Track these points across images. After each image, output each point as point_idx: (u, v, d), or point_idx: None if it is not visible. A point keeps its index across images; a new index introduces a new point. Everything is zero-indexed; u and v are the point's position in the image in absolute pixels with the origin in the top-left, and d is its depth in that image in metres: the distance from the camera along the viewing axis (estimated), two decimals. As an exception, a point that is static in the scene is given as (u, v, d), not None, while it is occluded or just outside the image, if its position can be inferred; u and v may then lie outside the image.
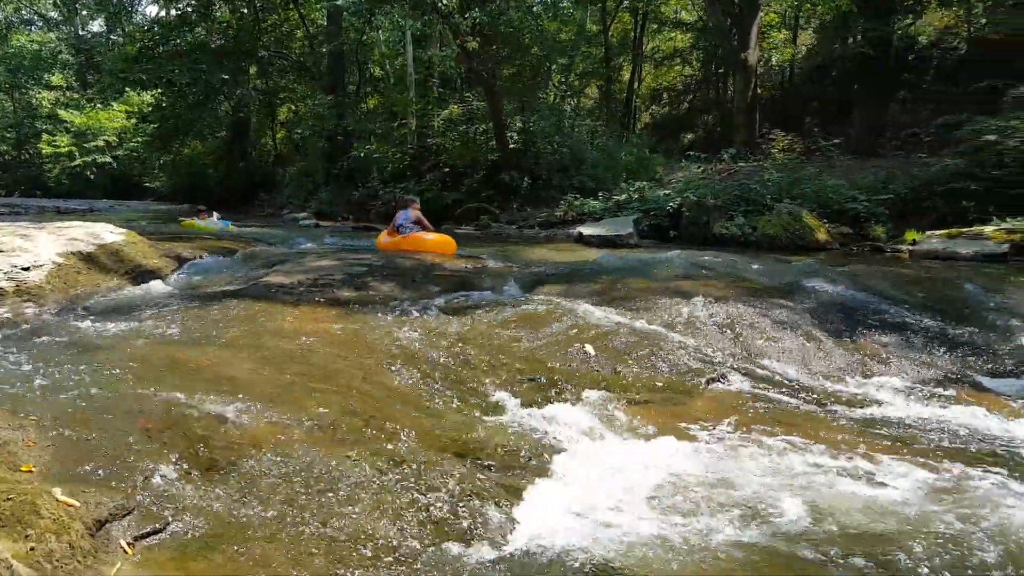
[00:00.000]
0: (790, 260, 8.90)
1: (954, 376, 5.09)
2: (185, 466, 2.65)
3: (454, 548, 2.43)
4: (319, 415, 3.22)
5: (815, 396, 4.55)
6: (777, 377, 4.87)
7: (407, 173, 19.24)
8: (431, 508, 2.61)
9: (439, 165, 18.56)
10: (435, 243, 9.61)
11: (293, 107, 30.08)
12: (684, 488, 3.01)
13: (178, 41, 23.04)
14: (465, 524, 2.57)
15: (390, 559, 2.31)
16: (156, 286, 6.59)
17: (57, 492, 2.24)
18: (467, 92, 20.97)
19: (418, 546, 2.41)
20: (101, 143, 36.69)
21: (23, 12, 42.43)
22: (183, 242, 8.92)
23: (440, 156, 18.72)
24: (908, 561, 2.43)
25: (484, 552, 2.43)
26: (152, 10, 37.83)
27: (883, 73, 17.15)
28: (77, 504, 2.22)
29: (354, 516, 2.47)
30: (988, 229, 9.65)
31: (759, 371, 4.95)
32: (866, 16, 16.96)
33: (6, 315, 5.11)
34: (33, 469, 2.46)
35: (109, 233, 7.13)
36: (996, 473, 3.22)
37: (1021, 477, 3.19)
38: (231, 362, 3.90)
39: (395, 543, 2.38)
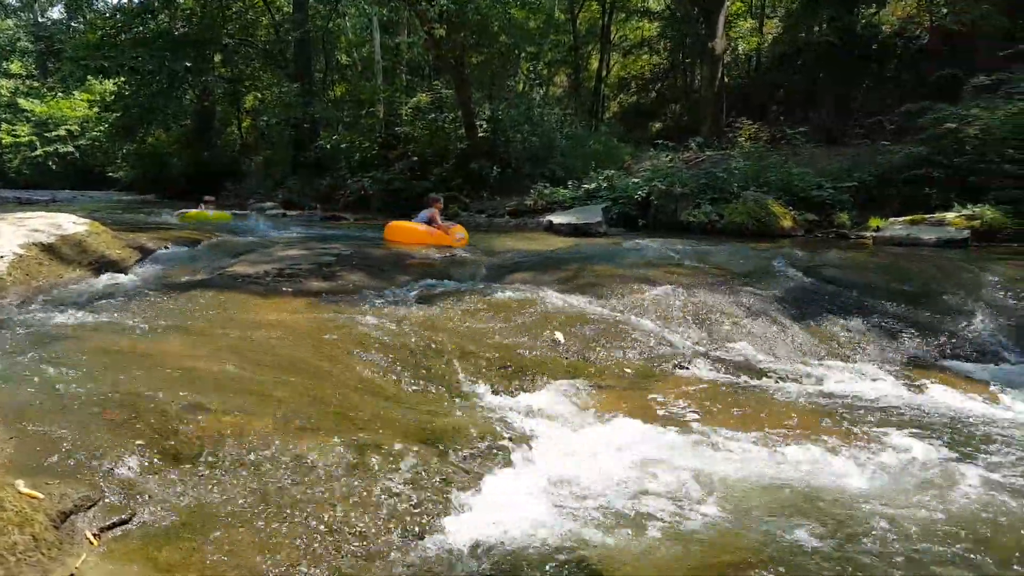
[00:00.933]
0: (756, 247, 9.03)
1: (916, 359, 5.25)
2: (151, 457, 2.63)
3: (420, 536, 2.46)
4: (286, 405, 3.22)
5: (780, 380, 4.65)
6: (743, 362, 4.96)
7: (375, 162, 19.09)
8: (398, 496, 2.63)
9: (408, 154, 18.43)
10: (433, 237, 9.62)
11: (259, 95, 29.56)
12: (651, 473, 3.07)
13: (141, 28, 22.50)
14: (431, 511, 2.59)
15: (356, 547, 2.33)
16: (120, 277, 6.48)
17: (20, 484, 2.21)
18: (435, 80, 20.83)
19: (384, 534, 2.42)
20: (63, 132, 35.81)
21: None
22: (147, 232, 8.77)
23: (409, 145, 18.59)
24: (873, 540, 2.51)
25: (449, 539, 2.45)
26: (114, -4, 36.81)
27: (848, 62, 17.42)
28: (41, 496, 2.20)
29: (321, 505, 2.48)
30: (949, 215, 9.90)
31: (725, 356, 5.04)
32: (831, 5, 17.20)
33: (-36, 308, 4.99)
34: (-6, 463, 2.42)
35: (71, 223, 6.99)
36: (960, 452, 3.34)
37: (982, 455, 3.32)
38: (197, 353, 3.86)
39: (361, 531, 2.40)
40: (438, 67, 20.13)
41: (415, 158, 18.25)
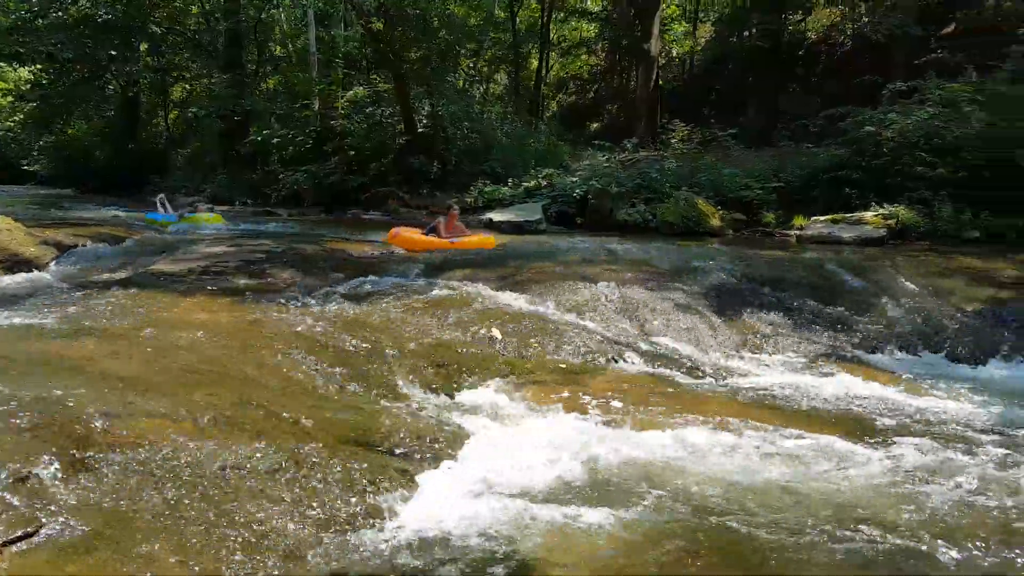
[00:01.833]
0: (686, 245, 9.25)
1: (833, 351, 5.48)
2: (62, 465, 2.49)
3: (349, 537, 2.41)
4: (209, 408, 3.10)
5: (707, 372, 4.81)
6: (673, 355, 5.09)
7: (309, 156, 18.66)
8: (326, 498, 2.58)
9: (344, 148, 18.07)
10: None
11: (187, 86, 28.55)
12: (585, 466, 3.10)
13: (60, 13, 21.38)
14: (361, 513, 2.55)
15: (280, 551, 2.27)
16: (34, 275, 6.18)
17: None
18: (373, 74, 20.51)
19: (311, 537, 2.37)
20: (-28, 122, 33.74)
21: None
22: (65, 228, 8.37)
23: (345, 139, 18.23)
24: (794, 520, 2.61)
25: (379, 539, 2.42)
26: (29, -22, 34.88)
27: (775, 67, 17.99)
28: (-64, 510, 2.06)
29: (245, 510, 2.41)
30: (868, 215, 10.35)
31: (656, 350, 5.16)
32: (759, 10, 17.70)
33: None
34: None
35: (-21, 219, 6.61)
36: (869, 438, 3.51)
37: (891, 439, 3.50)
38: (114, 355, 3.69)
39: (287, 535, 2.34)
40: (376, 61, 19.81)
41: (352, 152, 17.91)
